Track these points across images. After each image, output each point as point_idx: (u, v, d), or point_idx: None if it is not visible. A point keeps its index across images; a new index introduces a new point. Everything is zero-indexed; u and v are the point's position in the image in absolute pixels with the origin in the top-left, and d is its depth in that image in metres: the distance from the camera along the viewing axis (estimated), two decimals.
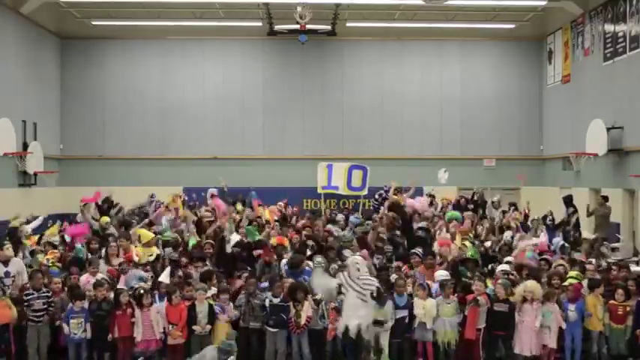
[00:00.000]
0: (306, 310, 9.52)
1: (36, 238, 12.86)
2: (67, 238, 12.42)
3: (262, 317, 9.61)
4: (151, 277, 10.28)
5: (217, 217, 13.07)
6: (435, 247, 11.54)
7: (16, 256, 10.55)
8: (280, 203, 17.34)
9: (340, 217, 15.82)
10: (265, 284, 10.06)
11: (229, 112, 23.21)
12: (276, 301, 9.56)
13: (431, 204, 16.45)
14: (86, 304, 9.50)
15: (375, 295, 8.46)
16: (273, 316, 9.48)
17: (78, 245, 11.68)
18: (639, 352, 9.43)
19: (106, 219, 13.82)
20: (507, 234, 13.04)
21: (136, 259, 10.98)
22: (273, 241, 12.34)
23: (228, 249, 11.59)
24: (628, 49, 17.22)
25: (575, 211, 15.62)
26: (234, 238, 12.09)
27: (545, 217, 15.12)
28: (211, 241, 11.79)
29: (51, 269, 10.56)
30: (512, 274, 10.29)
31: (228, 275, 10.67)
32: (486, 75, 23.56)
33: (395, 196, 15.42)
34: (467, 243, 12.02)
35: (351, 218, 15.47)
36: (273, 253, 11.57)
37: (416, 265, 10.99)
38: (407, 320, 9.60)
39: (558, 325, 9.40)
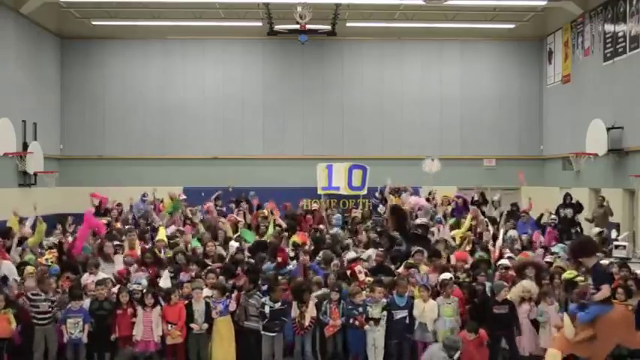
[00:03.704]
0: (311, 310, 9.51)
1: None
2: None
3: (258, 319, 9.54)
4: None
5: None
6: (452, 260, 11.36)
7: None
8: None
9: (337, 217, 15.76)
10: (265, 287, 10.02)
11: (229, 112, 23.20)
12: (277, 305, 9.45)
13: (428, 200, 16.43)
14: (86, 304, 9.50)
15: None
16: (275, 320, 9.39)
17: (85, 244, 11.73)
18: (639, 353, 9.41)
19: (105, 220, 13.88)
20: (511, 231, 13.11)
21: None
22: (296, 239, 12.22)
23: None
24: (628, 49, 17.22)
25: (576, 209, 15.71)
26: (234, 244, 11.95)
27: (540, 217, 15.18)
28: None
29: (51, 268, 10.54)
30: (509, 268, 10.33)
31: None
32: (486, 75, 23.54)
33: (392, 197, 15.40)
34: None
35: (337, 215, 15.47)
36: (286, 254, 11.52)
37: (417, 262, 10.96)
38: (407, 320, 9.58)
39: (556, 325, 9.40)
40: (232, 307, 9.57)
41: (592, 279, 7.53)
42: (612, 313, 7.63)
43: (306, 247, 11.71)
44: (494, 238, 12.54)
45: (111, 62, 23.20)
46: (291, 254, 11.47)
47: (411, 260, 10.99)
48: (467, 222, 13.19)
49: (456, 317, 9.62)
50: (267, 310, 9.39)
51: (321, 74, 23.43)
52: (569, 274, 10.33)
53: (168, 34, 23.00)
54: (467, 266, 10.96)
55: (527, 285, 9.62)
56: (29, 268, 10.29)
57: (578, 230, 15.99)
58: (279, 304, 9.46)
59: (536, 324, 9.65)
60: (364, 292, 9.86)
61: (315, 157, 21.99)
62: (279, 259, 11.04)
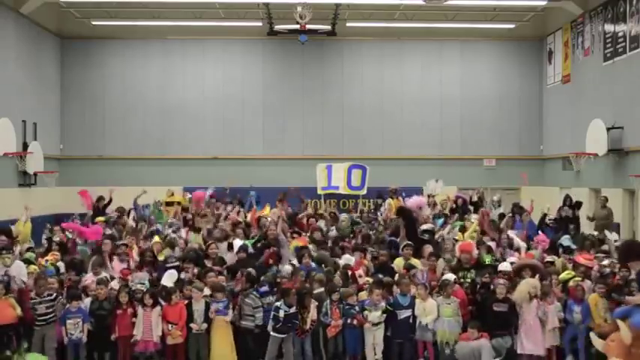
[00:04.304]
0: (312, 314, 9.52)
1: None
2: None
3: (254, 319, 9.55)
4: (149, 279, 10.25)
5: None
6: (456, 251, 11.24)
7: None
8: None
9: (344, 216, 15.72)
10: (265, 288, 10.00)
11: (229, 112, 23.21)
12: (292, 310, 9.39)
13: (429, 204, 16.38)
14: (85, 304, 9.49)
15: None
16: (288, 324, 9.36)
17: (82, 247, 11.69)
18: None
19: (101, 219, 13.82)
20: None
21: (137, 258, 10.97)
22: (295, 242, 12.12)
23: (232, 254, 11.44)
24: (628, 49, 17.23)
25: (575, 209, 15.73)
26: (237, 243, 11.94)
27: (544, 217, 15.16)
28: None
29: (48, 270, 10.49)
30: (509, 274, 10.30)
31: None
32: (486, 75, 23.56)
33: (392, 199, 15.38)
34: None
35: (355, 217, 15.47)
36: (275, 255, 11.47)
37: (405, 258, 10.97)
38: (411, 320, 9.57)
39: (553, 326, 9.40)
40: (229, 318, 9.48)
41: (637, 282, 7.61)
42: None
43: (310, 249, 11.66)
44: (500, 231, 12.55)
45: (111, 62, 23.22)
46: (294, 261, 11.37)
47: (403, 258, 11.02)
48: (473, 226, 13.13)
49: (457, 318, 9.61)
50: (281, 314, 9.31)
51: (321, 74, 23.44)
52: (567, 274, 10.34)
53: (168, 34, 23.01)
54: (470, 256, 10.81)
55: (532, 281, 9.56)
56: (31, 267, 10.29)
57: (575, 227, 15.95)
58: (294, 308, 9.42)
59: None
60: (364, 292, 9.87)
61: (315, 157, 22.00)
62: (270, 260, 10.99)
